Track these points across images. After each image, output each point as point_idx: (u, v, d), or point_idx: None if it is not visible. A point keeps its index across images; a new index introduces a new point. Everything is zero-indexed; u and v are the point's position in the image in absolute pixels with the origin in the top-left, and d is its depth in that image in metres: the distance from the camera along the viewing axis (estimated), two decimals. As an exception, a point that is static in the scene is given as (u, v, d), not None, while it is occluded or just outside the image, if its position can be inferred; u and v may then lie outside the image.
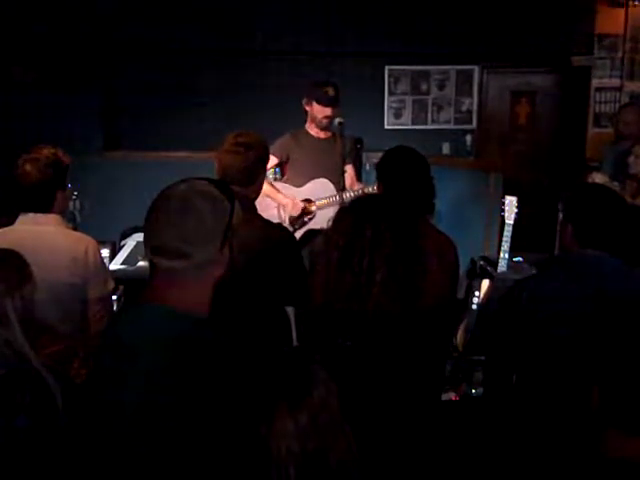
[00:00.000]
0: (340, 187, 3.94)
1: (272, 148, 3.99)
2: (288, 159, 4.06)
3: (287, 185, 4.05)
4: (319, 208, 4.00)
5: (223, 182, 1.55)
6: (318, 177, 3.96)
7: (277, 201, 3.93)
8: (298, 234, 3.95)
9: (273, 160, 4.02)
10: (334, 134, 4.02)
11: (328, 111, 3.89)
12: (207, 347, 1.36)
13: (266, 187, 3.90)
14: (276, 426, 1.09)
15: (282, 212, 4.00)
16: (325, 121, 3.90)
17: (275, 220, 3.86)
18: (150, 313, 1.40)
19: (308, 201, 4.02)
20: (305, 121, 4.07)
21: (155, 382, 1.33)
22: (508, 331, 2.13)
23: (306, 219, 4.01)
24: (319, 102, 3.89)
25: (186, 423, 1.28)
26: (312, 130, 4.01)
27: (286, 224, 3.90)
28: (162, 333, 1.36)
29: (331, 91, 3.88)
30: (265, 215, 3.68)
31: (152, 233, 1.40)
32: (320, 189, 3.98)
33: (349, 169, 4.10)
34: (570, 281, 2.05)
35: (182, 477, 1.30)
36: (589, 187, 2.74)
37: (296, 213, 3.93)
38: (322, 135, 3.98)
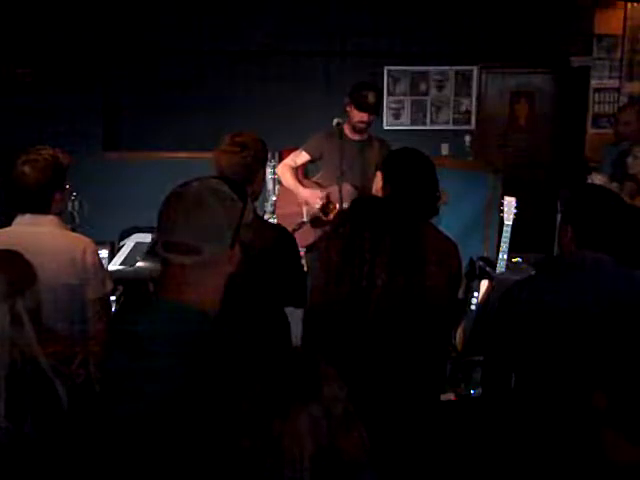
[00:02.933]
0: (368, 192, 3.89)
1: (306, 145, 4.00)
2: (321, 158, 4.03)
3: (314, 184, 4.03)
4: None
5: (235, 182, 1.57)
6: (349, 179, 3.87)
7: (299, 195, 3.91)
8: (315, 235, 3.90)
9: (305, 157, 4.01)
10: (371, 137, 3.99)
11: (365, 117, 3.85)
12: (217, 342, 1.37)
13: (291, 182, 3.91)
14: (290, 421, 1.10)
15: (304, 209, 3.98)
16: (360, 125, 3.87)
17: (297, 217, 3.85)
18: (161, 308, 1.42)
19: (331, 204, 3.98)
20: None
21: (167, 377, 1.34)
22: (507, 332, 2.13)
23: (305, 219, 3.98)
24: (357, 106, 3.84)
25: (200, 419, 1.29)
26: (348, 131, 3.95)
27: (306, 221, 3.87)
28: (173, 328, 1.38)
29: (371, 97, 3.83)
30: (285, 212, 3.67)
31: (165, 229, 1.42)
32: (344, 194, 3.87)
33: (379, 175, 4.05)
34: (569, 282, 2.05)
35: (196, 474, 1.30)
36: (588, 188, 2.74)
37: (316, 204, 3.88)
38: (357, 137, 3.94)
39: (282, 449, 1.09)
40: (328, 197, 3.95)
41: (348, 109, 3.93)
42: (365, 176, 3.89)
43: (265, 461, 1.09)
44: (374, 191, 3.94)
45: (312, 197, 3.91)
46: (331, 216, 3.97)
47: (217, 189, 1.44)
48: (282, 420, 1.10)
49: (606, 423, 1.33)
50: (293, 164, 4.01)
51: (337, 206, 3.92)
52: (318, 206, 3.91)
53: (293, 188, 3.91)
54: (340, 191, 3.81)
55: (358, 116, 3.86)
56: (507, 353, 2.15)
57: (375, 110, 3.88)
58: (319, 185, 4.02)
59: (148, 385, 1.35)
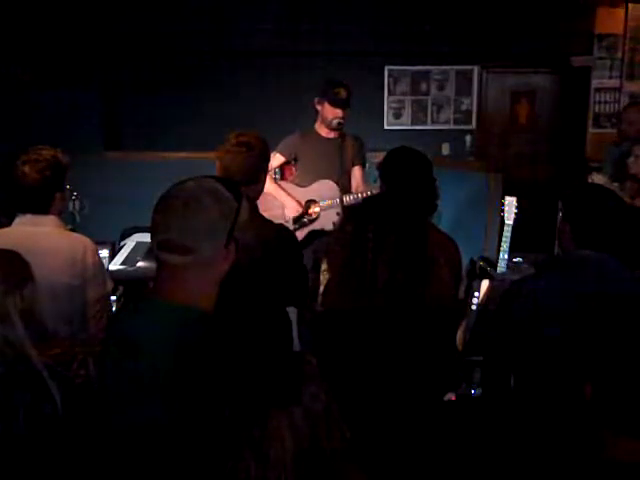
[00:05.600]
0: (346, 188, 3.93)
1: (280, 147, 4.00)
2: (296, 159, 4.05)
3: (293, 185, 4.05)
4: (322, 210, 3.99)
5: (231, 181, 1.57)
6: (325, 177, 3.94)
7: (280, 200, 3.93)
8: (301, 234, 3.94)
9: (280, 159, 4.02)
10: (343, 134, 4.01)
11: (339, 112, 3.88)
12: (210, 343, 1.37)
13: (270, 186, 3.92)
14: (270, 427, 1.10)
15: (286, 211, 4.00)
16: (335, 122, 3.90)
17: (279, 220, 3.86)
18: (156, 308, 1.42)
19: (312, 202, 4.02)
20: (313, 120, 4.07)
21: (158, 377, 1.34)
22: (506, 331, 2.13)
23: (306, 220, 4.01)
24: (330, 103, 3.88)
25: (187, 419, 1.29)
26: (321, 130, 4.00)
27: (289, 224, 3.89)
28: (166, 328, 1.38)
29: (343, 92, 3.88)
30: (269, 215, 3.68)
31: (159, 228, 1.42)
32: (325, 190, 3.97)
33: (357, 170, 4.10)
34: (569, 281, 2.05)
35: (181, 476, 1.30)
36: (588, 187, 2.75)
37: (293, 215, 3.93)
38: (331, 135, 3.97)
39: (264, 453, 1.09)
40: (306, 205, 4.00)
41: (319, 107, 3.96)
42: (343, 172, 3.92)
43: (249, 466, 1.10)
44: (353, 187, 4.00)
45: (290, 208, 3.93)
46: (313, 215, 4.01)
47: (211, 188, 1.44)
48: (262, 425, 1.10)
49: (595, 418, 1.33)
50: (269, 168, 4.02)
51: (320, 204, 3.98)
52: (295, 216, 3.95)
53: (273, 192, 3.90)
54: (341, 190, 3.83)
55: (332, 112, 3.89)
56: (507, 353, 2.15)
57: (348, 105, 3.91)
58: (297, 186, 4.04)
59: (142, 385, 1.35)
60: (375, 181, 2.78)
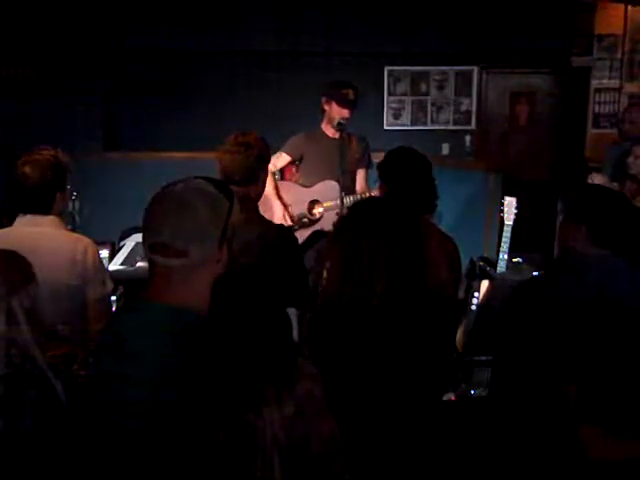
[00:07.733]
0: (348, 189, 3.93)
1: (286, 147, 4.01)
2: (302, 158, 4.05)
3: (296, 185, 4.04)
4: (326, 210, 3.98)
5: (221, 181, 1.57)
6: (331, 177, 3.93)
7: (272, 205, 3.89)
8: (304, 235, 3.92)
9: (286, 159, 4.02)
10: (349, 135, 4.02)
11: (346, 113, 3.90)
12: (205, 344, 1.37)
13: (269, 188, 3.91)
14: (263, 414, 1.10)
15: (286, 213, 3.99)
16: (342, 122, 3.91)
17: (279, 221, 3.86)
18: (149, 311, 1.42)
19: (316, 202, 4.01)
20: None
21: (155, 379, 1.34)
22: (518, 332, 2.12)
23: (306, 220, 4.00)
24: (339, 103, 3.90)
25: (185, 419, 1.29)
26: (328, 130, 4.00)
27: (288, 224, 3.89)
28: (161, 330, 1.38)
29: (351, 94, 3.91)
30: (269, 215, 3.70)
31: (150, 231, 1.42)
32: (329, 191, 3.96)
33: (361, 173, 4.10)
34: (573, 281, 2.05)
35: (178, 470, 1.30)
36: (597, 188, 2.74)
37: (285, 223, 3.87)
38: (337, 135, 3.96)
39: (254, 443, 1.09)
40: (309, 205, 3.99)
41: (327, 107, 3.97)
42: (344, 172, 3.91)
43: (236, 454, 1.10)
44: (358, 189, 4.00)
45: (277, 218, 3.87)
46: (317, 215, 3.99)
47: (202, 189, 1.43)
48: (255, 415, 1.10)
49: (580, 418, 1.32)
50: (273, 168, 3.97)
51: (323, 204, 3.98)
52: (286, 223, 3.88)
53: (271, 197, 3.87)
54: (341, 190, 3.83)
55: (339, 113, 3.90)
56: (518, 354, 2.13)
57: (355, 105, 3.94)
58: (301, 186, 4.03)
59: (134, 387, 1.35)
60: (375, 182, 2.79)
